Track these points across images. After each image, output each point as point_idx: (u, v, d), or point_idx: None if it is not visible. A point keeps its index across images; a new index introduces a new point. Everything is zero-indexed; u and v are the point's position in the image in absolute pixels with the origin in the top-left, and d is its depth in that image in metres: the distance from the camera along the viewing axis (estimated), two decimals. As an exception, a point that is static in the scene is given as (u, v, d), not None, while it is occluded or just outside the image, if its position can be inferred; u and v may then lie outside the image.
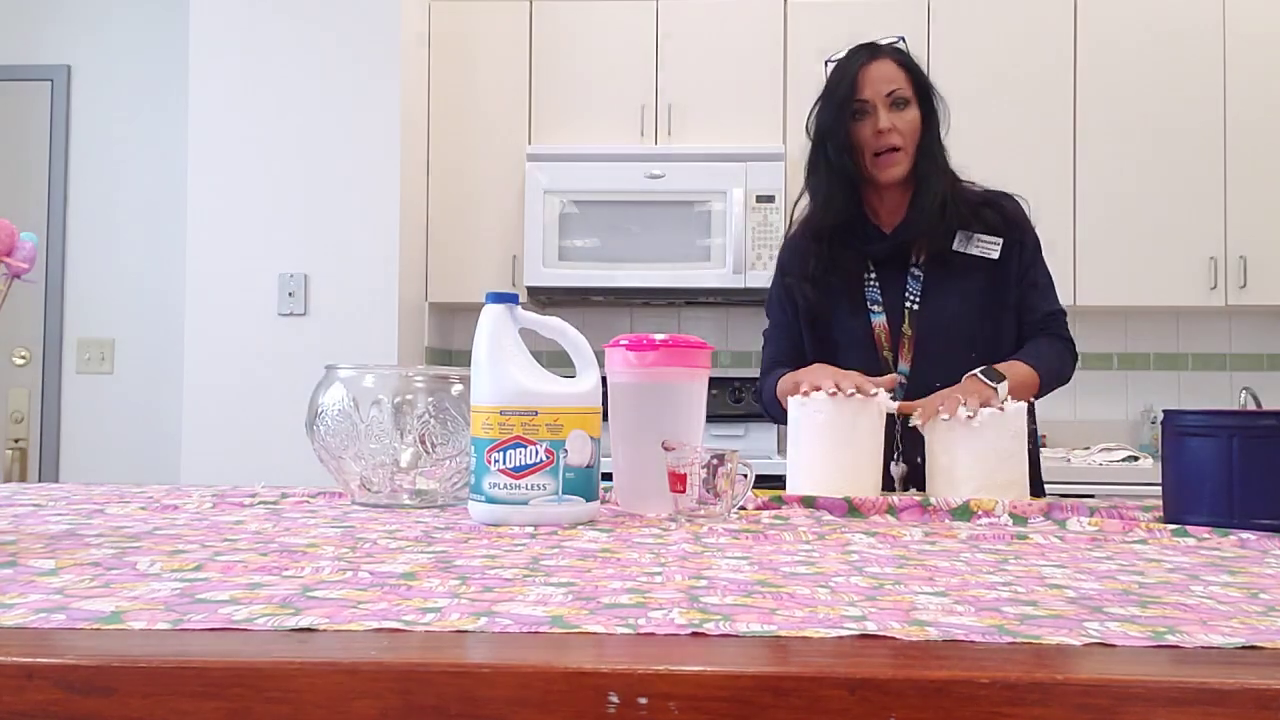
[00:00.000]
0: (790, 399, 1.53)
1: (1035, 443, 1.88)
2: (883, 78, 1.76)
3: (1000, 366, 1.64)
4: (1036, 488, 1.86)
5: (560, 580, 0.78)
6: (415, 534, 1.02)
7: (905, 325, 1.78)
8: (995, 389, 1.56)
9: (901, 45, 1.81)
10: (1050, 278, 1.85)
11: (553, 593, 0.73)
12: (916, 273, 1.80)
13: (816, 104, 1.82)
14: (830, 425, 1.46)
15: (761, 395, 1.86)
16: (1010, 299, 1.81)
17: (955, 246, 1.79)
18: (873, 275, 1.82)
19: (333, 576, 0.78)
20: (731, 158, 3.46)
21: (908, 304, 1.79)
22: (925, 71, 1.80)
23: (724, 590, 0.74)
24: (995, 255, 1.79)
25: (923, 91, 1.78)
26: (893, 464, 1.74)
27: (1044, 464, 3.13)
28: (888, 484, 1.72)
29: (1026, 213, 1.85)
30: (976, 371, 1.60)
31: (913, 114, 1.76)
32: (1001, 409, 1.50)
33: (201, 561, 0.84)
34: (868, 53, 1.78)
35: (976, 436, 1.47)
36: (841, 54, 1.82)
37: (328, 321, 3.28)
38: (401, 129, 3.32)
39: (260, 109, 3.31)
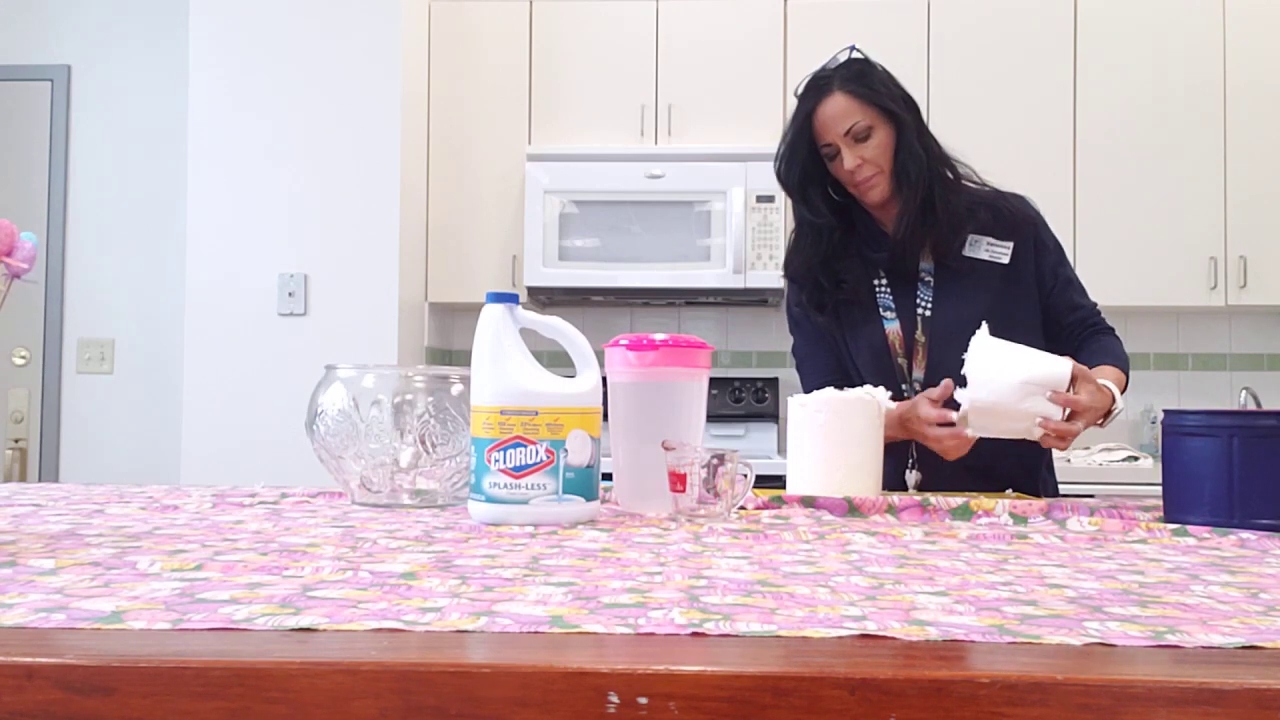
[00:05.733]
0: (790, 400, 1.52)
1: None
2: (836, 115, 1.72)
3: (1101, 375, 1.61)
4: (1050, 488, 1.86)
5: (560, 580, 0.78)
6: (415, 534, 1.02)
7: (918, 331, 1.77)
8: (1113, 407, 1.59)
9: (856, 54, 1.76)
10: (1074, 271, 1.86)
11: (553, 592, 0.73)
12: (927, 279, 1.78)
13: (780, 144, 1.80)
14: (829, 426, 1.45)
15: None
16: (1027, 301, 1.79)
17: (965, 251, 1.77)
18: (883, 282, 1.81)
19: (333, 576, 0.78)
20: (731, 158, 3.46)
21: (919, 310, 1.78)
22: (878, 80, 1.74)
23: (724, 590, 0.74)
24: (1005, 260, 1.77)
25: (883, 107, 1.73)
26: (908, 471, 1.74)
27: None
28: (902, 490, 1.71)
29: (1034, 209, 1.83)
30: (1107, 384, 1.59)
31: (879, 138, 1.72)
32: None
33: (201, 561, 0.84)
34: (816, 92, 1.74)
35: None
36: (803, 86, 1.77)
37: (328, 321, 3.28)
38: (401, 129, 3.32)
39: (260, 109, 3.31)
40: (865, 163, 1.72)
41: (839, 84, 1.73)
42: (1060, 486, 1.95)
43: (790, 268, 1.85)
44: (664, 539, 1.01)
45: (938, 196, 1.74)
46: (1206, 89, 3.49)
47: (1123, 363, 1.72)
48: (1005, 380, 1.48)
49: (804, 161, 1.76)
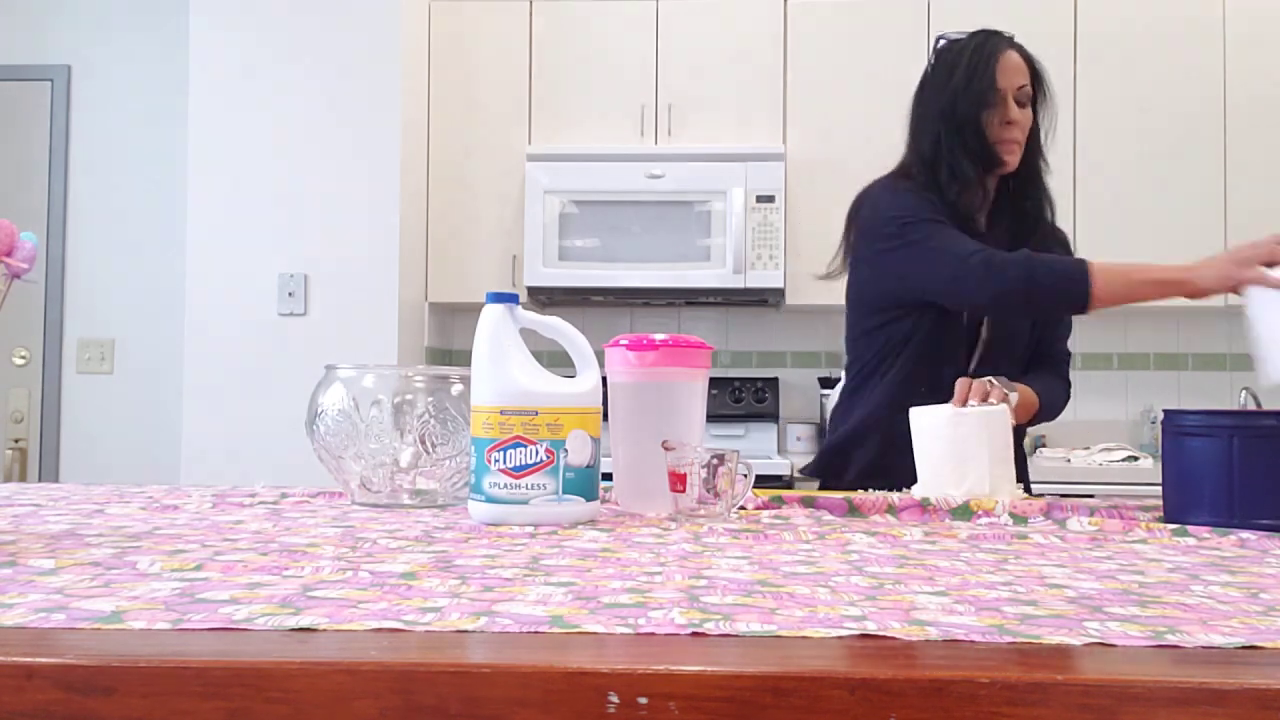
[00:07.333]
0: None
1: (1021, 446, 1.89)
2: (1016, 69, 1.75)
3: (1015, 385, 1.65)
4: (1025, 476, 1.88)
5: (560, 580, 0.78)
6: (415, 534, 1.02)
7: (983, 327, 1.77)
8: (1009, 397, 1.56)
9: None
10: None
11: (553, 592, 0.73)
12: None
13: (950, 88, 1.74)
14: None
15: (1036, 272, 1.60)
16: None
17: None
18: None
19: (333, 576, 0.78)
20: (731, 158, 3.46)
21: None
22: (1042, 71, 1.79)
23: (724, 590, 0.74)
24: None
25: (1040, 85, 1.78)
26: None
27: (1045, 464, 3.13)
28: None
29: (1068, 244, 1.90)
30: (993, 379, 1.58)
31: (1029, 112, 1.77)
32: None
33: (201, 561, 0.84)
34: (1001, 41, 1.76)
35: (982, 431, 1.45)
36: (957, 34, 1.79)
37: (328, 321, 3.28)
38: (401, 129, 3.32)
39: (260, 109, 3.31)
40: (1018, 124, 1.74)
41: (1016, 46, 1.77)
42: (1060, 487, 1.96)
43: (972, 203, 1.76)
44: (664, 539, 1.01)
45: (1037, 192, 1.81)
46: (1206, 92, 3.49)
47: (1046, 395, 1.75)
48: (933, 454, 1.47)
49: (980, 96, 1.72)
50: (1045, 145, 1.82)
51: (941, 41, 1.80)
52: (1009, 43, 1.77)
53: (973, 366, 1.76)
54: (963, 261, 1.63)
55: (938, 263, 1.66)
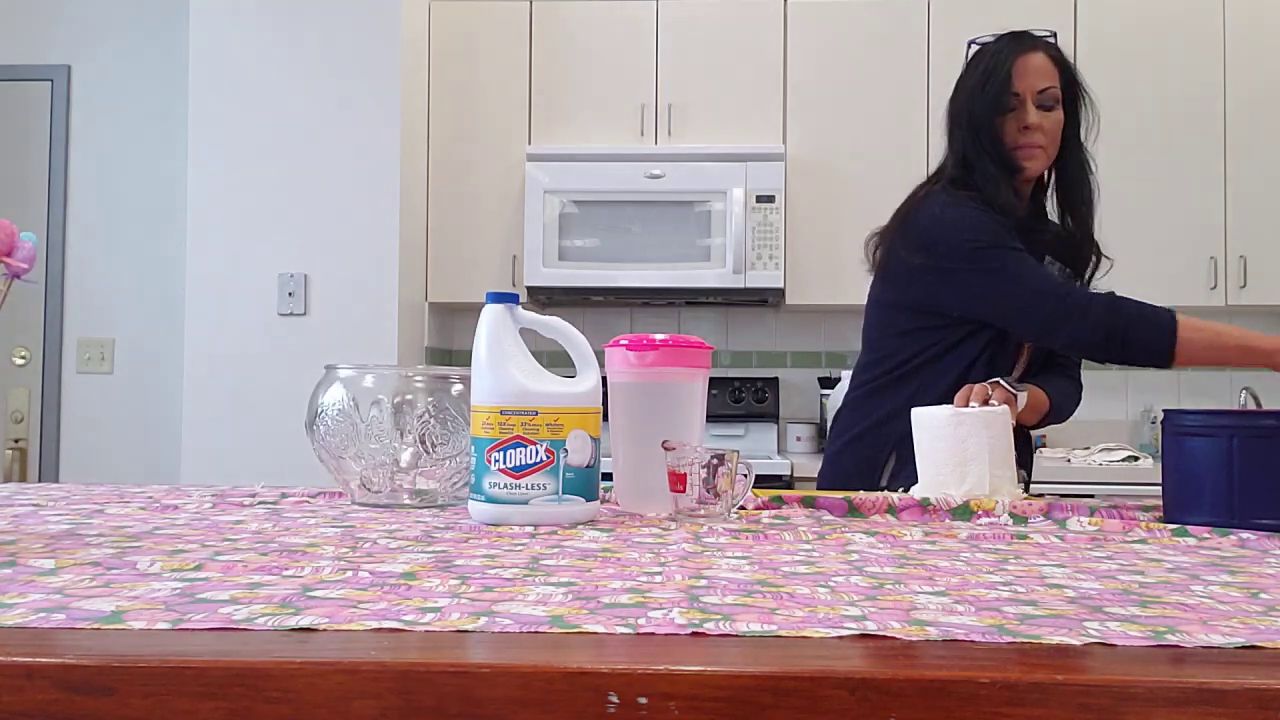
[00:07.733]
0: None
1: (1029, 441, 1.89)
2: (1038, 71, 1.71)
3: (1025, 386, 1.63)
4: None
5: (560, 580, 0.78)
6: (415, 534, 1.02)
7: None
8: (1015, 397, 1.55)
9: (1053, 40, 1.78)
10: None
11: (553, 592, 0.73)
12: None
13: (968, 91, 1.74)
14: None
15: (1122, 320, 1.59)
16: None
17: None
18: None
19: (333, 576, 0.78)
20: (731, 158, 3.46)
21: None
22: (1074, 70, 1.76)
23: (724, 590, 0.74)
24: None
25: (1069, 91, 1.75)
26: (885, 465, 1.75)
27: (1045, 464, 3.13)
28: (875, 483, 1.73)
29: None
30: (1000, 380, 1.57)
31: (1058, 115, 1.73)
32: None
33: (201, 561, 0.84)
34: (1023, 43, 1.73)
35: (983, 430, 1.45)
36: (987, 37, 1.77)
37: (328, 321, 3.28)
38: (401, 129, 3.32)
39: (260, 109, 3.31)
40: (1039, 129, 1.71)
41: (1044, 46, 1.74)
42: (1060, 487, 1.96)
43: (1015, 207, 1.71)
44: (664, 539, 1.01)
45: (1077, 204, 1.77)
46: (1206, 89, 3.49)
47: (1057, 397, 1.75)
48: (936, 456, 1.46)
49: (994, 100, 1.70)
50: (1087, 145, 1.77)
51: (973, 47, 1.78)
52: (1035, 44, 1.73)
53: (1018, 372, 1.76)
54: (1056, 302, 1.61)
55: (1026, 299, 1.63)
